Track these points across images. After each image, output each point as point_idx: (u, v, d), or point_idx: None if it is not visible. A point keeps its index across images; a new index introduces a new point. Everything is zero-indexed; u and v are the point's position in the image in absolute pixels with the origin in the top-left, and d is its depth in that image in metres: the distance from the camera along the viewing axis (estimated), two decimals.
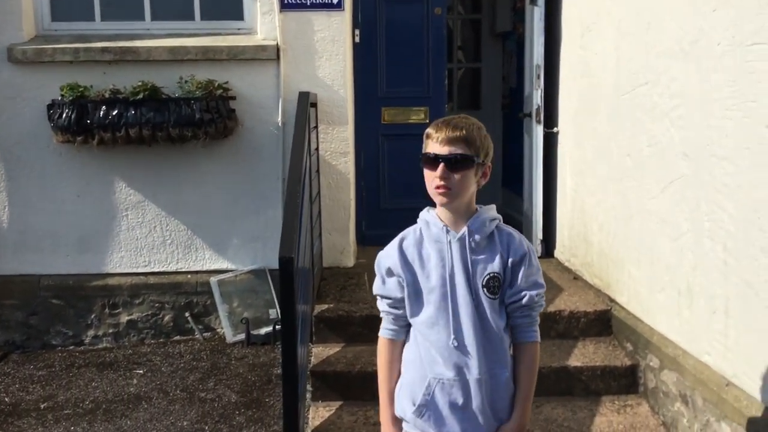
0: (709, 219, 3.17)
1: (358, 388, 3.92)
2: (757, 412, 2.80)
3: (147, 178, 5.29)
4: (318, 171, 5.11)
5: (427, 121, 5.90)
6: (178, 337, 5.38)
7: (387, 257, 2.22)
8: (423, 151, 2.13)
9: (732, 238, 2.97)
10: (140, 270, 5.37)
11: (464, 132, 2.09)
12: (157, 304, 5.36)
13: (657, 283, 3.73)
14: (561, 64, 5.31)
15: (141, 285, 5.35)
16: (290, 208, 3.39)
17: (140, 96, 4.97)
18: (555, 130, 5.37)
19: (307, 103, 4.53)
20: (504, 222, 2.23)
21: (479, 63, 7.72)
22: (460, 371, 2.14)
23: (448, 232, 2.14)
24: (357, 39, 5.78)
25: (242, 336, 5.20)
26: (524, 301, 2.15)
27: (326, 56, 5.22)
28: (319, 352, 4.21)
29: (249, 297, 5.36)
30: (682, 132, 3.42)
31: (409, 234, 2.23)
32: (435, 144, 2.08)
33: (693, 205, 3.33)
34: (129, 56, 5.16)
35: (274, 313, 5.31)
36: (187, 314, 5.35)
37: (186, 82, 5.08)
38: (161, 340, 5.36)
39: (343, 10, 5.22)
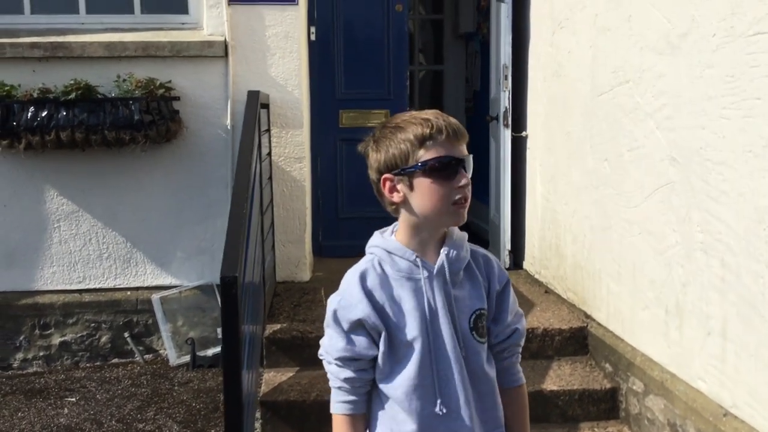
0: (702, 230, 2.86)
1: (313, 419, 3.53)
2: None
3: (81, 186, 4.83)
4: (270, 178, 4.72)
5: None
6: (116, 360, 4.92)
7: (350, 307, 1.66)
8: (420, 159, 1.60)
9: (731, 252, 2.66)
10: (74, 287, 4.90)
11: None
12: (92, 324, 4.90)
13: (640, 300, 3.42)
14: (529, 65, 5.00)
15: (75, 303, 4.89)
16: (235, 219, 2.99)
17: (72, 96, 4.53)
18: (524, 134, 5.06)
19: (256, 102, 4.13)
20: (469, 232, 1.79)
21: (441, 65, 7.40)
22: None
23: (423, 265, 1.66)
24: (312, 37, 5.40)
25: (187, 358, 4.78)
26: (513, 338, 1.75)
27: (279, 54, 4.83)
28: (270, 378, 3.80)
29: (195, 315, 4.94)
30: (669, 134, 3.11)
31: (368, 270, 1.69)
32: (447, 145, 1.60)
33: (682, 215, 3.01)
34: (61, 52, 4.71)
35: None
36: (126, 335, 4.90)
37: (124, 80, 4.66)
38: (97, 363, 4.90)
39: (297, 4, 4.85)
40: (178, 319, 4.93)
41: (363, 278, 1.68)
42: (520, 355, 1.79)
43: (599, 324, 3.91)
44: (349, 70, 5.56)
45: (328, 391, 3.75)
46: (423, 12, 7.62)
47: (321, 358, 1.74)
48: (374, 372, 1.70)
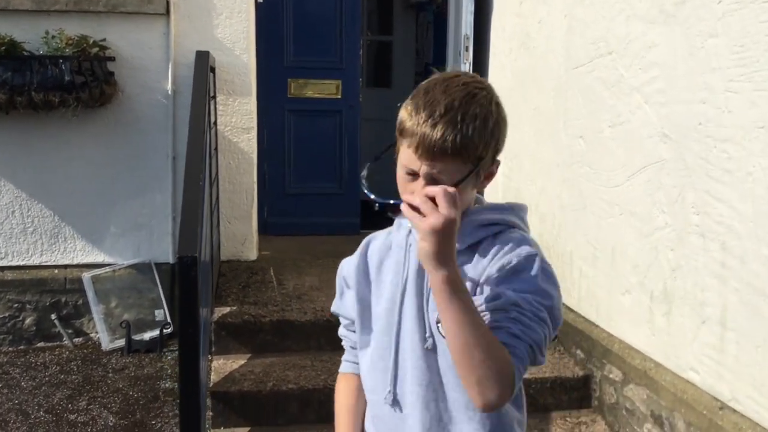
0: (699, 212, 2.68)
1: (270, 410, 3.24)
2: None
3: (3, 153, 4.36)
4: (216, 149, 4.36)
5: (340, 96, 5.25)
6: (42, 344, 4.49)
7: (347, 262, 1.57)
8: (397, 139, 1.35)
9: (735, 235, 2.49)
10: None
11: (460, 137, 1.25)
12: (16, 305, 4.45)
13: (620, 284, 3.25)
14: (492, 36, 4.77)
15: None
16: (191, 193, 2.66)
17: None
18: None
19: (206, 64, 3.78)
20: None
21: (390, 36, 7.10)
22: None
23: (410, 232, 1.43)
24: None
25: (122, 342, 4.40)
26: (498, 302, 1.28)
27: (226, 13, 4.46)
28: (221, 367, 3.49)
29: (130, 296, 4.55)
30: (660, 109, 2.92)
31: (381, 235, 1.55)
32: (412, 151, 1.29)
33: (674, 196, 2.84)
34: None
35: (161, 314, 4.53)
36: (53, 316, 4.47)
37: (53, 37, 4.20)
38: (21, 347, 4.47)
39: None
40: (111, 299, 4.54)
41: (370, 240, 1.56)
42: (512, 337, 1.26)
43: (569, 308, 3.73)
44: (299, 36, 5.23)
45: (285, 380, 3.47)
46: None
47: None
48: None
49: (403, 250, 1.44)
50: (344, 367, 1.63)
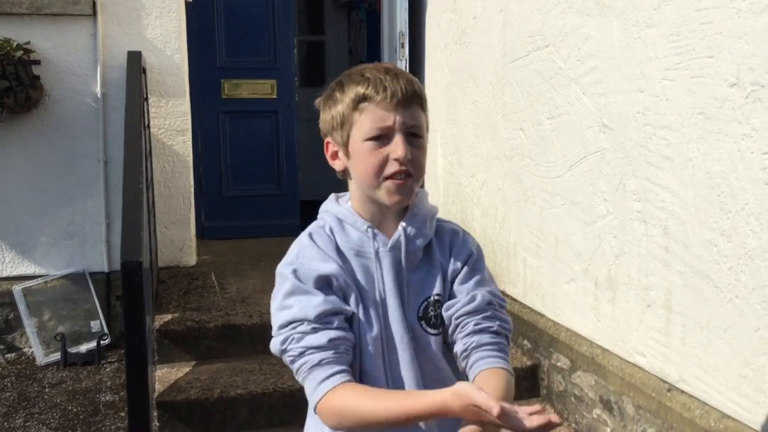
0: (640, 199, 2.74)
1: (218, 417, 3.16)
2: (716, 423, 2.39)
3: None
4: (150, 152, 4.24)
5: (275, 96, 5.18)
6: None
7: (312, 259, 1.39)
8: (354, 124, 1.38)
9: (677, 221, 2.55)
10: None
11: (418, 85, 1.40)
12: None
13: (564, 274, 3.29)
14: (427, 33, 4.78)
15: None
16: (131, 196, 2.57)
17: None
18: None
19: (139, 64, 3.68)
20: None
21: (322, 35, 7.06)
22: None
23: (375, 236, 1.42)
24: None
25: (57, 356, 4.24)
26: (475, 304, 1.41)
27: (156, 13, 4.34)
28: (165, 376, 3.38)
29: (64, 308, 4.39)
30: (599, 100, 2.97)
31: (319, 233, 1.45)
32: (383, 108, 1.35)
33: (615, 184, 2.89)
34: None
35: (97, 325, 4.38)
36: None
37: None
38: None
39: None
40: (44, 312, 4.37)
41: (315, 240, 1.44)
42: (500, 334, 1.42)
43: (514, 299, 3.77)
44: (231, 36, 5.14)
45: (233, 385, 3.39)
46: None
47: (281, 350, 1.37)
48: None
49: (368, 256, 1.42)
50: (335, 380, 1.33)
